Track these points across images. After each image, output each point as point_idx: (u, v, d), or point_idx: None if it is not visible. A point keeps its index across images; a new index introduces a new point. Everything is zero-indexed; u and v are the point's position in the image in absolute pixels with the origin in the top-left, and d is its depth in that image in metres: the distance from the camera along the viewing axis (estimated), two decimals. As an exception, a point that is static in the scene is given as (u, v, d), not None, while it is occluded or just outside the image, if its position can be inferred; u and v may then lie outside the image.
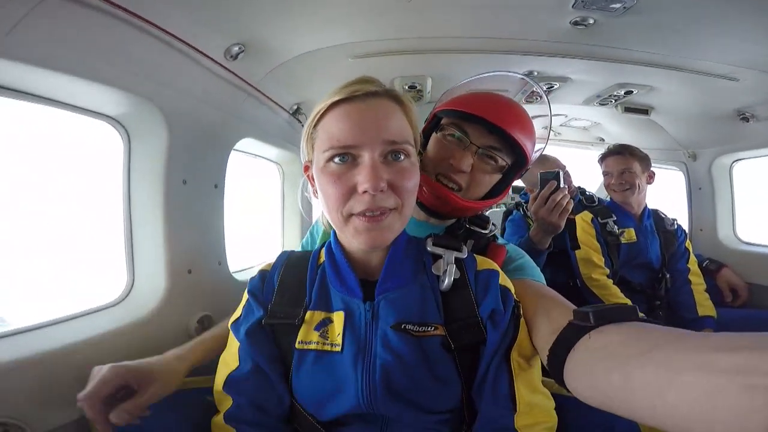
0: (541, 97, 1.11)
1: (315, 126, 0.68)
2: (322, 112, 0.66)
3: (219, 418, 0.69)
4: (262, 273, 0.78)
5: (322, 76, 1.52)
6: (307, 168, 0.74)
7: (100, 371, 0.67)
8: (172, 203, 1.12)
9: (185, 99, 1.14)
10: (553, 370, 0.58)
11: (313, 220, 1.07)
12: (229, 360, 0.72)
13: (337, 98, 0.65)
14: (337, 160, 0.63)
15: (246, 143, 1.53)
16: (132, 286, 1.11)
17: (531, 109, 1.01)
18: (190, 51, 1.05)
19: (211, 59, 1.13)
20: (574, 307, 0.63)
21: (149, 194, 1.10)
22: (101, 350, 0.91)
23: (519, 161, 0.92)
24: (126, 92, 0.97)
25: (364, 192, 0.61)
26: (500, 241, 0.97)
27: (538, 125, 2.71)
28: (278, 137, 1.73)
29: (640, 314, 0.53)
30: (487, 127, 0.87)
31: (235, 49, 1.17)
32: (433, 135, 0.95)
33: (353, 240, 0.66)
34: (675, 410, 0.35)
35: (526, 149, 0.90)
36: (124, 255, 1.11)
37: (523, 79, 1.16)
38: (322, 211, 0.79)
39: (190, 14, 0.99)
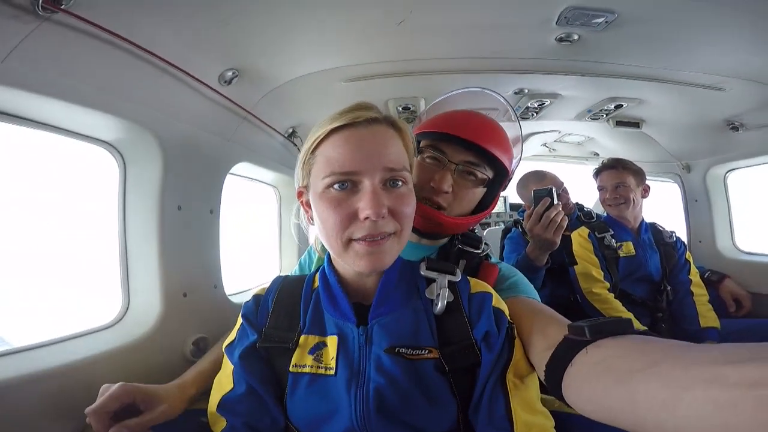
0: (515, 116, 1.13)
1: (313, 151, 0.68)
2: (321, 137, 0.66)
3: None
4: (257, 297, 0.78)
5: (316, 100, 1.55)
6: (300, 194, 0.74)
7: (109, 388, 0.70)
8: (167, 229, 1.12)
9: (180, 124, 1.16)
10: (551, 385, 0.58)
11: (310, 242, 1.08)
12: (224, 382, 0.72)
13: (337, 124, 0.65)
14: (336, 186, 0.63)
15: (242, 167, 1.55)
16: (127, 308, 1.11)
17: (511, 127, 1.04)
18: (184, 77, 1.08)
19: (206, 85, 1.16)
20: (569, 322, 0.63)
21: (144, 219, 1.11)
22: (96, 371, 0.91)
23: (500, 173, 0.94)
24: (120, 118, 0.99)
25: (366, 218, 0.62)
26: (493, 260, 0.98)
27: (536, 142, 2.73)
28: (274, 160, 1.75)
29: (642, 327, 0.52)
30: (462, 144, 0.89)
31: (229, 74, 1.20)
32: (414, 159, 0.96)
33: (353, 264, 0.65)
34: (684, 424, 0.34)
35: (502, 160, 0.92)
36: (120, 278, 1.11)
37: (496, 95, 1.18)
38: (316, 236, 0.79)
39: (183, 41, 1.02)
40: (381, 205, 0.61)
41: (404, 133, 0.71)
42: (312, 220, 0.72)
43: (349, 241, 0.64)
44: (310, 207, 0.71)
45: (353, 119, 0.64)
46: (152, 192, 1.10)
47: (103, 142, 1.08)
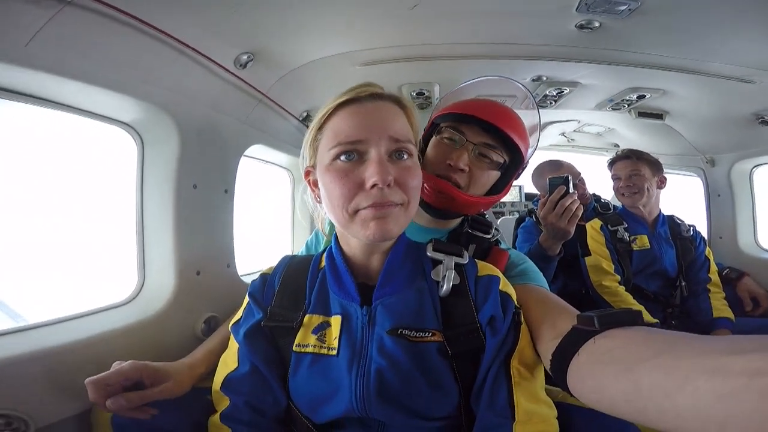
0: (533, 104, 1.13)
1: (320, 128, 0.69)
2: (328, 113, 0.68)
3: (215, 418, 0.70)
4: (264, 276, 0.79)
5: (330, 84, 1.54)
6: (308, 173, 0.75)
7: (120, 364, 0.71)
8: (182, 207, 1.15)
9: (196, 106, 1.18)
10: (556, 374, 0.57)
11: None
12: (229, 361, 0.74)
13: (342, 99, 0.67)
14: (343, 158, 0.64)
15: (256, 149, 1.57)
16: (142, 285, 1.15)
17: (529, 115, 1.03)
18: (201, 59, 1.09)
19: (222, 67, 1.17)
20: (578, 312, 0.63)
21: (161, 198, 1.14)
22: (109, 347, 0.93)
23: (516, 158, 0.95)
24: (140, 100, 1.02)
25: (372, 187, 0.62)
26: (503, 246, 0.98)
27: (554, 131, 2.67)
28: (288, 143, 1.77)
29: (653, 320, 0.51)
30: (481, 125, 0.90)
31: (245, 57, 1.21)
32: (432, 138, 0.98)
33: (360, 233, 0.65)
34: (686, 414, 0.34)
35: (518, 145, 0.92)
36: (136, 256, 1.15)
37: (516, 83, 1.17)
38: (321, 219, 0.80)
39: (201, 24, 1.03)
40: (387, 172, 0.62)
41: (408, 111, 0.71)
42: (319, 198, 0.72)
43: (356, 212, 0.64)
44: (317, 186, 0.72)
45: (358, 94, 0.66)
46: (169, 171, 1.13)
47: (123, 123, 1.11)
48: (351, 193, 0.63)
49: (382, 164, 0.62)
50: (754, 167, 2.15)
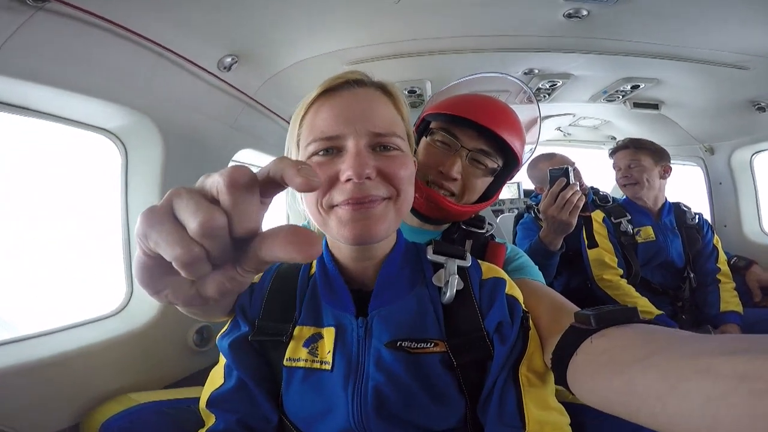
0: (530, 99, 1.09)
1: (300, 123, 0.64)
2: (306, 107, 0.63)
3: None
4: (251, 285, 0.73)
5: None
6: None
7: None
8: None
9: (179, 111, 1.16)
10: (557, 373, 0.55)
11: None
12: (216, 377, 0.69)
13: (319, 90, 0.61)
14: (321, 153, 0.58)
15: (245, 154, 1.55)
16: (131, 296, 1.12)
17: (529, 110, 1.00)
18: (183, 63, 1.08)
19: (205, 70, 1.15)
20: (576, 308, 0.61)
21: (147, 205, 1.10)
22: (97, 360, 0.91)
23: (510, 162, 0.90)
24: (119, 105, 1.00)
25: (347, 180, 0.55)
26: (498, 240, 0.95)
27: (550, 126, 2.62)
28: (279, 147, 1.74)
29: (658, 311, 0.49)
30: (477, 129, 0.85)
31: (228, 60, 1.19)
32: (423, 139, 0.93)
33: (337, 234, 0.58)
34: (677, 416, 0.34)
35: (515, 150, 0.88)
36: (123, 266, 1.12)
37: (513, 78, 1.14)
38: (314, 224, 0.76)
39: (180, 26, 1.01)
40: (364, 164, 0.54)
41: (396, 98, 0.65)
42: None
43: (331, 208, 0.57)
44: None
45: (334, 83, 0.61)
46: (154, 177, 1.11)
47: (104, 129, 1.09)
48: (324, 187, 0.57)
49: (360, 156, 0.55)
50: (753, 154, 2.12)
